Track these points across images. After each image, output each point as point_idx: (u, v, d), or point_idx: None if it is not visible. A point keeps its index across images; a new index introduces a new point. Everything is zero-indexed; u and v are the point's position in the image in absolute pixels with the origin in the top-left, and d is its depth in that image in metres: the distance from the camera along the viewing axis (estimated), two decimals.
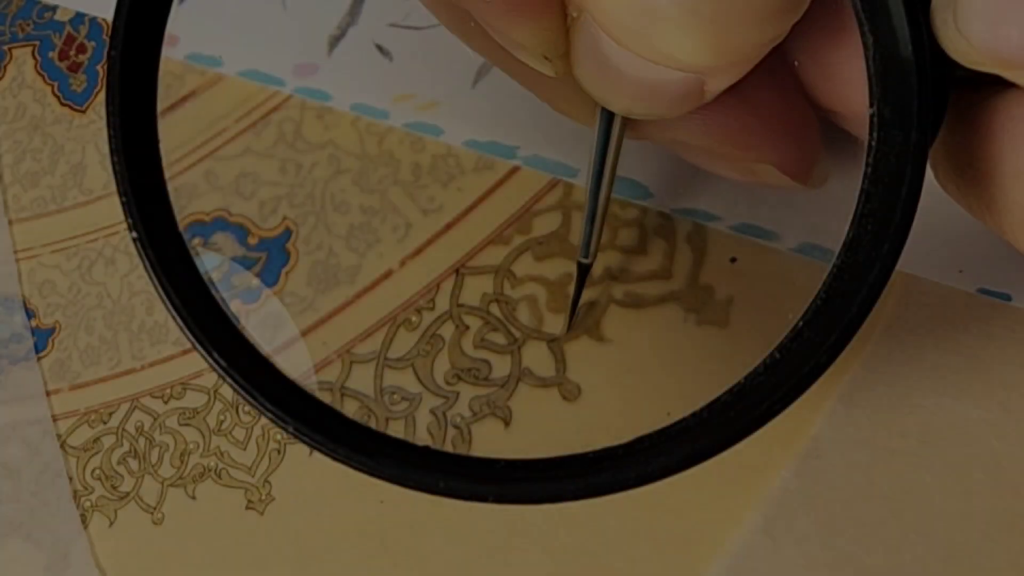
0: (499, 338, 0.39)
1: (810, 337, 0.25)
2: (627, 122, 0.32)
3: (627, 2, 0.25)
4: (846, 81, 0.29)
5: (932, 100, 0.25)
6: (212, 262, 0.29)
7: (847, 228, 0.25)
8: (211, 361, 0.26)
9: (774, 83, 0.30)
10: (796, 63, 0.30)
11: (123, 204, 0.26)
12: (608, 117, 0.32)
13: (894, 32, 0.25)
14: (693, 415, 0.26)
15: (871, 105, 0.25)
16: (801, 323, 0.26)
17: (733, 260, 0.38)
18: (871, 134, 0.25)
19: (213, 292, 0.27)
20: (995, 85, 0.26)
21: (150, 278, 0.26)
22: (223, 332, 0.27)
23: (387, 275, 0.40)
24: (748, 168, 0.32)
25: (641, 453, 0.26)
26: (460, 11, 0.29)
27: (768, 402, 0.25)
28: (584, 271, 0.36)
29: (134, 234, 0.26)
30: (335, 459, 0.26)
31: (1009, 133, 0.26)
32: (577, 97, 0.30)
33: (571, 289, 0.38)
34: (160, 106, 0.28)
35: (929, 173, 0.26)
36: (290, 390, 0.27)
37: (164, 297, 0.26)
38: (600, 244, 0.36)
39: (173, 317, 0.26)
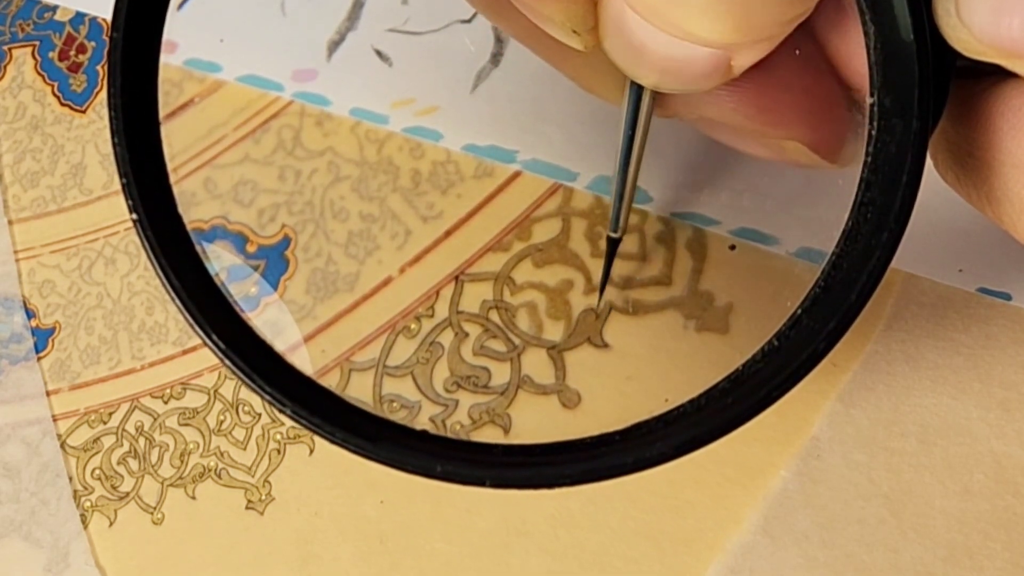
0: (499, 345, 0.39)
1: (808, 325, 0.26)
2: (656, 98, 0.32)
3: None
4: None
5: (933, 90, 0.25)
6: (210, 270, 0.29)
7: (846, 216, 0.25)
8: (210, 344, 0.26)
9: (803, 60, 0.30)
10: (822, 40, 0.30)
11: (123, 186, 0.27)
12: (637, 92, 0.32)
13: (895, 21, 0.25)
14: (691, 402, 0.26)
15: (871, 94, 0.25)
16: (800, 311, 0.26)
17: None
18: (871, 123, 0.25)
19: (213, 277, 0.27)
20: (996, 75, 0.26)
21: (149, 260, 0.26)
22: (222, 316, 0.27)
23: (386, 282, 0.40)
24: (777, 146, 0.32)
25: (639, 439, 0.26)
26: None
27: (766, 389, 0.25)
28: (614, 245, 0.37)
29: (134, 216, 0.26)
30: (333, 442, 0.26)
31: (1009, 123, 0.26)
32: (606, 73, 0.30)
33: (570, 296, 0.38)
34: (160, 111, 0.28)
35: (929, 166, 0.26)
36: (289, 373, 0.27)
37: (163, 279, 0.26)
38: (628, 220, 0.37)
39: (172, 299, 0.26)
